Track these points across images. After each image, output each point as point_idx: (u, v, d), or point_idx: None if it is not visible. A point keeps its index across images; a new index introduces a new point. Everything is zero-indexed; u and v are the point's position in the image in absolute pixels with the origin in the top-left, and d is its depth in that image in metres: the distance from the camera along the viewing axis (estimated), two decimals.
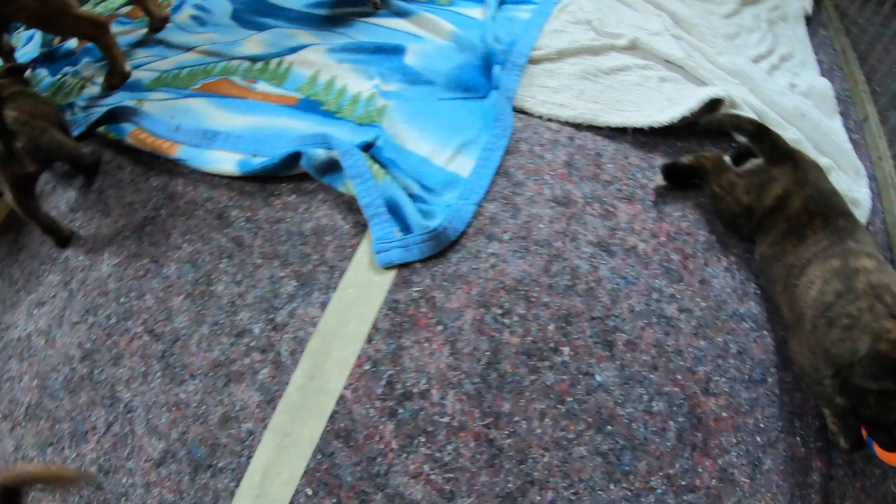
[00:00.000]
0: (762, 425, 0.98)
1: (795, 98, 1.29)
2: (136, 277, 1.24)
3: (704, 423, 0.95)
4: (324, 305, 1.06)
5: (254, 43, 1.37)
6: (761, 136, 1.05)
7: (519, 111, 1.19)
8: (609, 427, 0.92)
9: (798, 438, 0.99)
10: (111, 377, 1.16)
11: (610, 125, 1.16)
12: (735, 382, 0.99)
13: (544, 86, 1.20)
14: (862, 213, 1.21)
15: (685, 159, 1.15)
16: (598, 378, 0.95)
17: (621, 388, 0.95)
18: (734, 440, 0.95)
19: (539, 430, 0.92)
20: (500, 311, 0.99)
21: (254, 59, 1.34)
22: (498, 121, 1.13)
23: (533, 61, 1.24)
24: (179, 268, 1.20)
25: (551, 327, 0.97)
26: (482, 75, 1.21)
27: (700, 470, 0.92)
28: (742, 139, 1.18)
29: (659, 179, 1.14)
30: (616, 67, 1.25)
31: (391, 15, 1.35)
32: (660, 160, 1.17)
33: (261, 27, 1.40)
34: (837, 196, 1.01)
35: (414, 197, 1.08)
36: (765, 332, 1.05)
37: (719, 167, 1.11)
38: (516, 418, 0.93)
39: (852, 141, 1.35)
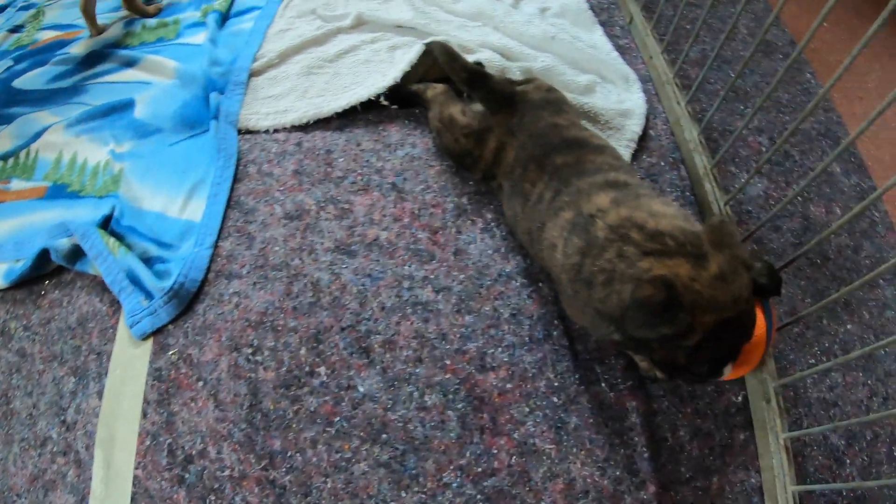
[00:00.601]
0: (557, 384, 0.93)
1: (544, 24, 1.21)
2: None
3: (488, 402, 0.91)
4: (100, 393, 1.04)
5: (3, 139, 1.33)
6: (475, 84, 0.96)
7: (245, 132, 1.13)
8: (384, 435, 0.89)
9: (603, 384, 0.95)
10: None
11: (336, 111, 1.10)
12: (514, 348, 0.94)
13: (268, 96, 1.14)
14: (636, 122, 1.14)
15: (412, 86, 1.09)
16: (362, 389, 0.91)
17: (388, 392, 0.91)
18: (527, 409, 0.91)
19: (315, 459, 0.89)
20: (250, 351, 0.95)
21: (5, 158, 1.30)
22: (221, 151, 1.08)
23: (256, 73, 1.18)
24: None
25: (303, 351, 0.93)
26: (206, 107, 1.15)
27: (495, 451, 0.88)
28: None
29: (382, 100, 1.10)
30: (343, 51, 1.18)
31: (122, 67, 1.29)
32: (396, 136, 1.11)
33: (9, 119, 1.35)
34: (558, 128, 0.92)
35: (152, 259, 1.03)
36: (539, 284, 1.00)
37: (443, 99, 1.03)
38: (290, 453, 0.89)
39: (620, 48, 1.27)
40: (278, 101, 1.13)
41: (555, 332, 0.96)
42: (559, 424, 0.91)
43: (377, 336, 0.93)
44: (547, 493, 0.86)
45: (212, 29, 1.24)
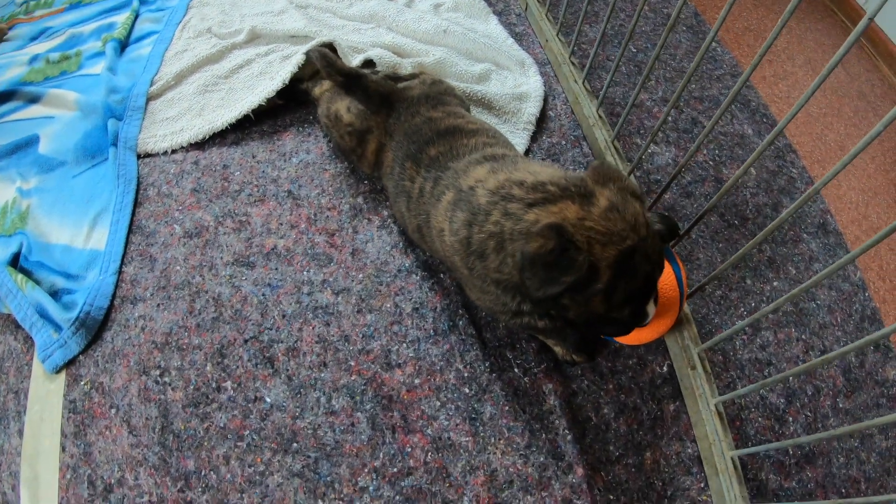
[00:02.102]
0: (467, 374, 0.93)
1: (437, 19, 1.22)
2: None
3: (397, 400, 0.91)
4: (21, 432, 1.04)
5: None
6: (351, 87, 0.95)
7: (145, 156, 1.13)
8: (295, 444, 0.88)
9: (517, 370, 0.95)
10: None
11: (230, 122, 1.11)
12: (419, 342, 0.94)
13: (166, 118, 1.14)
14: (533, 105, 1.14)
15: (303, 84, 1.11)
16: (269, 399, 0.91)
17: (295, 399, 0.90)
18: (438, 403, 0.91)
19: (229, 475, 0.89)
20: (158, 372, 0.95)
21: None
22: (121, 177, 1.08)
23: (154, 96, 1.18)
24: None
25: (209, 367, 0.93)
26: (107, 135, 1.15)
27: (409, 449, 0.88)
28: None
29: (276, 100, 1.12)
30: (237, 65, 1.18)
31: (26, 104, 1.28)
32: (290, 144, 1.11)
33: None
34: (432, 122, 0.91)
35: (60, 291, 1.03)
36: (441, 276, 1.00)
37: (329, 95, 1.03)
38: (204, 472, 0.89)
39: (517, 35, 1.28)
40: (175, 122, 1.13)
41: (460, 322, 0.96)
42: (473, 415, 0.90)
43: (280, 344, 0.93)
44: (468, 487, 0.85)
45: (110, 57, 1.24)
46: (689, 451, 0.93)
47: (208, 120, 1.10)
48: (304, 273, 0.98)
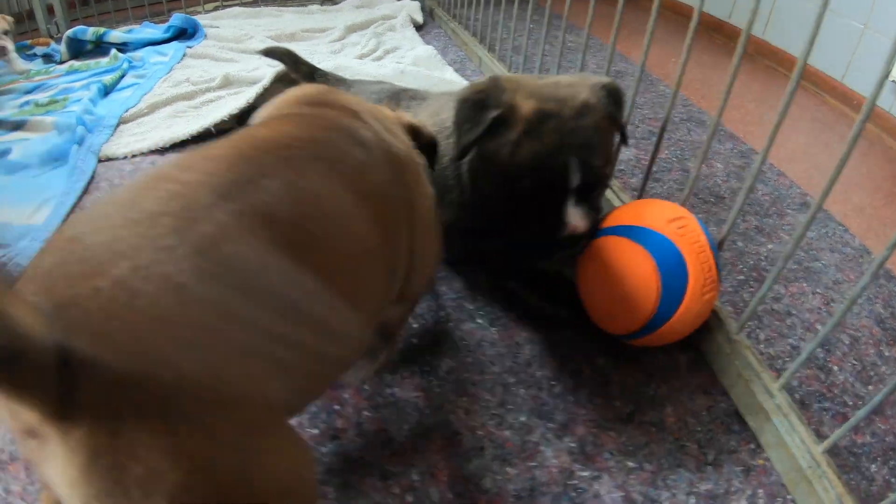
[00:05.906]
0: (415, 326, 0.84)
1: (395, 65, 1.46)
2: None
3: None
4: None
5: None
6: (313, 78, 1.17)
7: (106, 160, 1.22)
8: None
9: (481, 320, 0.85)
10: None
11: (192, 134, 1.21)
12: None
13: (133, 133, 1.25)
14: None
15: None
16: None
17: None
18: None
19: None
20: None
21: None
22: (76, 168, 1.14)
23: (126, 121, 1.31)
24: None
25: None
26: (74, 145, 1.23)
27: (337, 407, 0.72)
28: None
29: (232, 123, 1.21)
30: (208, 100, 1.33)
31: (8, 131, 1.37)
32: None
33: None
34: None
35: None
36: None
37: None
38: None
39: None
40: (142, 135, 1.24)
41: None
42: (426, 368, 0.78)
43: None
44: (419, 454, 0.68)
45: (93, 93, 1.39)
46: (723, 405, 0.77)
47: (171, 130, 1.21)
48: None
